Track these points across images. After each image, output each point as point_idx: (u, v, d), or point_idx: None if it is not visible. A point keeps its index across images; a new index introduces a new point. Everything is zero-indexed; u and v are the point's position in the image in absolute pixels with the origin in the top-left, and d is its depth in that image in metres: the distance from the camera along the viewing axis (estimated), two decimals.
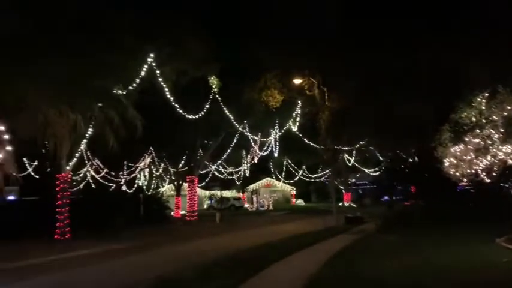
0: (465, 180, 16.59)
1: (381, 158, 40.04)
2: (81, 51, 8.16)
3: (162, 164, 35.80)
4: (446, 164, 16.34)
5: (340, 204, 39.05)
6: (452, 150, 15.89)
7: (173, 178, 37.23)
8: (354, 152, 36.28)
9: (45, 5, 6.67)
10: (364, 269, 10.46)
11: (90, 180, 32.45)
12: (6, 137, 7.00)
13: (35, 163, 31.65)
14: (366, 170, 43.39)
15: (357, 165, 40.69)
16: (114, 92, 15.10)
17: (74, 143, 16.98)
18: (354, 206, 43.79)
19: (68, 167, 19.39)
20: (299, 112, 26.32)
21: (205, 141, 31.93)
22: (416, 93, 21.53)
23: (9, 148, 6.75)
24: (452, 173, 16.20)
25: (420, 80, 21.28)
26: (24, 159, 29.60)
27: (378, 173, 43.87)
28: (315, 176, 48.18)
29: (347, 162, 38.45)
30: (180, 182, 36.04)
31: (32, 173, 31.64)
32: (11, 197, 27.74)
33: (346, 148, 32.09)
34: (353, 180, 49.37)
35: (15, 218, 19.16)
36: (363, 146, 33.61)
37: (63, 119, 8.61)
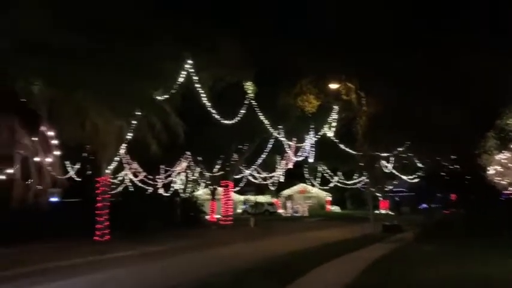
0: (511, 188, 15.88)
1: (419, 164, 38.93)
2: (124, 58, 8.49)
3: (198, 168, 36.27)
4: (491, 171, 15.70)
5: (377, 211, 38.17)
6: (497, 158, 15.26)
7: (208, 182, 37.63)
8: (391, 158, 35.40)
9: (90, 14, 7.01)
10: (401, 278, 10.16)
11: (129, 184, 33.27)
12: (54, 142, 7.34)
13: (77, 166, 32.75)
14: (403, 177, 42.21)
15: (394, 171, 39.65)
16: (157, 98, 15.54)
17: (115, 147, 17.56)
18: (391, 213, 42.73)
19: (108, 171, 20.01)
20: (335, 117, 26.01)
21: (240, 146, 32.11)
22: (457, 98, 20.86)
23: (57, 152, 7.07)
24: (497, 181, 15.55)
25: (461, 85, 20.62)
26: (67, 162, 30.72)
27: (416, 180, 42.66)
28: (351, 182, 47.36)
29: (384, 168, 37.54)
30: (215, 187, 36.37)
31: (74, 176, 32.76)
32: (53, 199, 28.83)
33: (383, 154, 31.36)
34: (390, 187, 48.17)
35: (57, 219, 19.83)
36: (401, 152, 32.77)
37: (109, 126, 8.94)
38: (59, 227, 19.19)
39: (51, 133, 6.96)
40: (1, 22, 5.64)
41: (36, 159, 6.52)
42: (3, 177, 7.00)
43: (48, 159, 6.65)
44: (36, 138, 6.60)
